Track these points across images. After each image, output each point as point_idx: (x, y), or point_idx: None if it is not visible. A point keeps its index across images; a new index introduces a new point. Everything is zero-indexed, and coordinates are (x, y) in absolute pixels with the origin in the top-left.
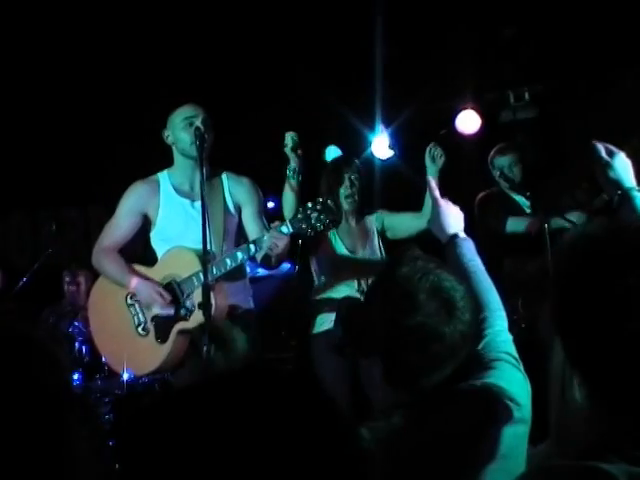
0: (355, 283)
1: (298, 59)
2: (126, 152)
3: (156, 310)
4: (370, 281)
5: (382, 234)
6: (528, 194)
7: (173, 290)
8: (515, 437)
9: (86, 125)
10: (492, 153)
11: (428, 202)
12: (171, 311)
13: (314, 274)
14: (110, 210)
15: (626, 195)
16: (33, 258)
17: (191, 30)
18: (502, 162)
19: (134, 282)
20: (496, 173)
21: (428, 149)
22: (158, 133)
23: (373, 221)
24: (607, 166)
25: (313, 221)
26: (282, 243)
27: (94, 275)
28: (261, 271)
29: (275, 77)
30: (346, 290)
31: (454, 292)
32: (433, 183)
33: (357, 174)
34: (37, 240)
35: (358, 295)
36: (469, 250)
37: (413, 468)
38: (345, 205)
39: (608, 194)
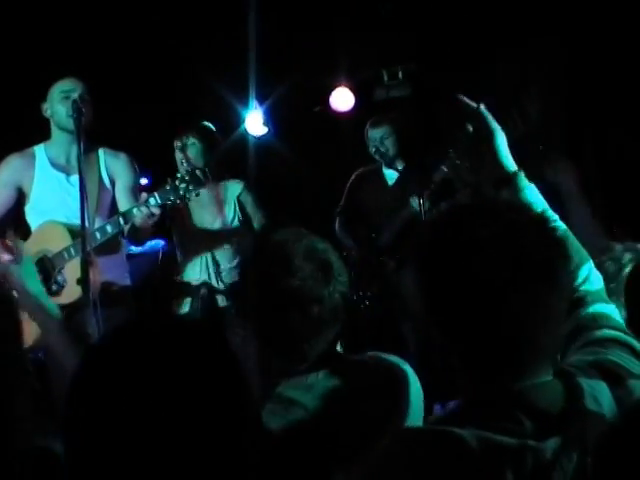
0: (208, 258)
1: (171, 32)
2: None
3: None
4: (225, 254)
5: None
6: (400, 168)
7: (45, 266)
8: None
9: None
10: (367, 126)
11: None
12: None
13: (176, 249)
14: None
15: (511, 180)
16: None
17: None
18: (376, 134)
19: None
20: (371, 147)
21: None
22: (33, 106)
23: (231, 189)
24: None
25: (181, 192)
26: (153, 216)
27: None
28: (134, 248)
29: (147, 50)
30: (198, 270)
31: (329, 254)
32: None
33: (197, 137)
34: None
35: (213, 276)
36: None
37: None
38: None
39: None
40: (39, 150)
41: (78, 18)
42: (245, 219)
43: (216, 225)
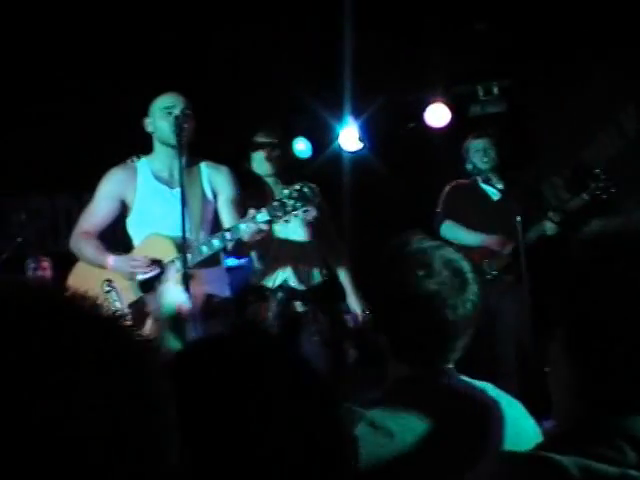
0: (289, 268)
1: (267, 50)
2: (95, 141)
3: (141, 276)
4: (305, 264)
5: None
6: (499, 186)
7: (150, 278)
8: None
9: (55, 113)
10: (469, 138)
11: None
12: (157, 270)
13: (253, 257)
14: (78, 199)
15: None
16: (0, 247)
17: (169, 18)
18: (478, 145)
19: (111, 260)
20: (472, 158)
21: None
22: (128, 121)
23: None
24: None
25: (289, 208)
26: (261, 232)
27: (57, 262)
28: (230, 261)
29: (244, 68)
30: (281, 276)
31: (463, 264)
32: None
33: (277, 140)
34: (4, 229)
35: (294, 282)
36: None
37: None
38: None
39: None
40: (141, 164)
41: (175, 38)
42: (322, 232)
43: (297, 235)
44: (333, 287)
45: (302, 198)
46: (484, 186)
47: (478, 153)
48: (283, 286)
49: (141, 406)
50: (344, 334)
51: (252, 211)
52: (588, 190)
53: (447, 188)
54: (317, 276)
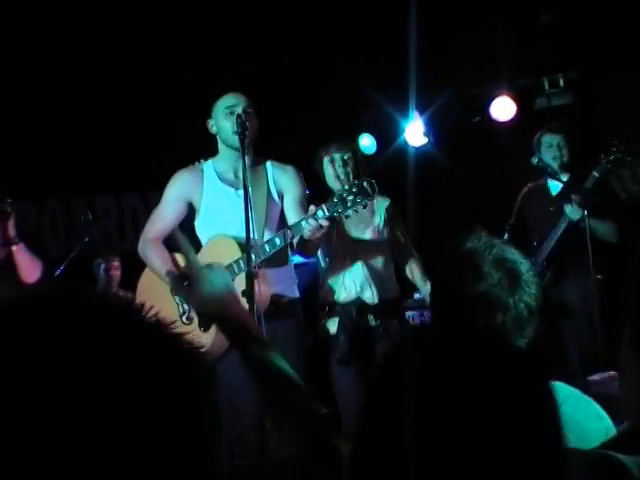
0: (360, 268)
1: (332, 45)
2: (161, 140)
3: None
4: (378, 264)
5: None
6: (564, 178)
7: None
8: None
9: (121, 113)
10: (541, 132)
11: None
12: None
13: (319, 256)
14: (144, 198)
15: None
16: (67, 246)
17: (235, 15)
18: (552, 140)
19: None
20: (543, 152)
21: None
22: (192, 122)
23: (380, 200)
24: None
25: (349, 204)
26: (321, 229)
27: (124, 262)
28: (297, 258)
29: (309, 64)
30: (350, 287)
31: (518, 264)
32: None
33: (351, 153)
34: (71, 228)
35: (366, 289)
36: None
37: None
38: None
39: None
40: (207, 166)
41: (240, 35)
42: (392, 232)
43: (367, 234)
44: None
45: (362, 193)
46: (550, 183)
47: (550, 149)
48: (355, 300)
49: (194, 411)
50: None
51: (312, 207)
52: (598, 167)
53: (522, 192)
54: (388, 287)
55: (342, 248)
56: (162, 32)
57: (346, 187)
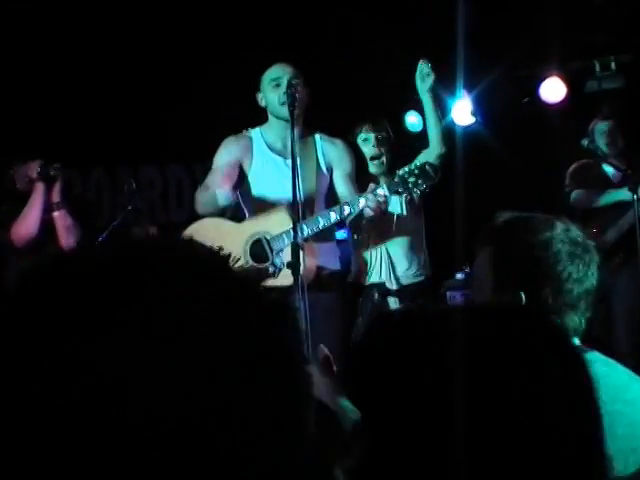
0: (383, 251)
1: (380, 23)
2: (206, 112)
3: None
4: (399, 246)
5: None
6: (625, 168)
7: (262, 247)
8: None
9: (168, 84)
10: (595, 119)
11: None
12: None
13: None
14: (189, 169)
15: None
16: (111, 216)
17: None
18: (603, 127)
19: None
20: (597, 138)
21: (418, 65)
22: (238, 94)
23: None
24: None
25: (410, 185)
26: (380, 206)
27: (165, 233)
28: (339, 235)
29: (354, 41)
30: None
31: (587, 245)
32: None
33: (385, 133)
34: (116, 198)
35: (387, 275)
36: None
37: None
38: (372, 168)
39: None
40: (255, 133)
41: (289, 10)
42: (414, 210)
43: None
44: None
45: (424, 175)
46: (605, 167)
47: (603, 135)
48: (378, 283)
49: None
50: None
51: (372, 185)
52: None
53: (573, 166)
54: (414, 270)
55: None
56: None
57: (407, 169)
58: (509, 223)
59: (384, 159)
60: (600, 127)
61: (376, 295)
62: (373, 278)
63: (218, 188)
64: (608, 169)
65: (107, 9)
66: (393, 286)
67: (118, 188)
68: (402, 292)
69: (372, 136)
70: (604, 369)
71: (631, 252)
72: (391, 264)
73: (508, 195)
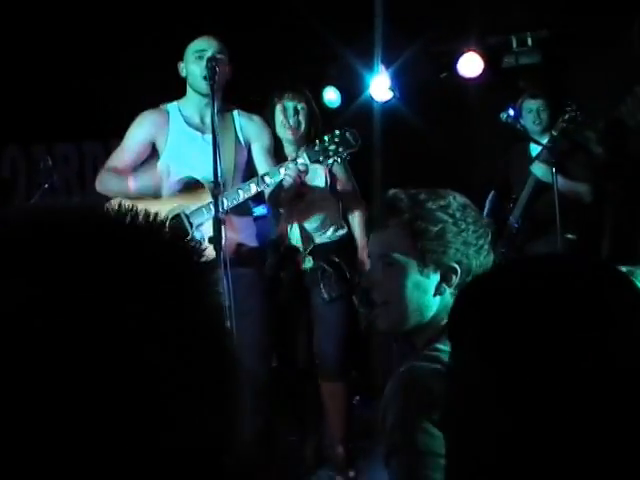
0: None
1: None
2: (123, 87)
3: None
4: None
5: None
6: (544, 141)
7: (181, 221)
8: None
9: (83, 60)
10: (522, 96)
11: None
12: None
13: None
14: (105, 146)
15: None
16: (27, 194)
17: None
18: (532, 105)
19: (131, 180)
20: (523, 115)
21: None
22: (153, 66)
23: None
24: None
25: (331, 153)
26: (300, 174)
27: None
28: (257, 210)
29: (271, 14)
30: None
31: None
32: None
33: (304, 103)
34: (30, 176)
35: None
36: None
37: None
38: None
39: None
40: (173, 108)
41: None
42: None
43: (319, 184)
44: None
45: (344, 143)
46: (532, 145)
47: (530, 114)
48: (291, 243)
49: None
50: (352, 290)
51: (292, 154)
52: (555, 126)
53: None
54: (330, 231)
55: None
56: None
57: (327, 137)
58: (412, 196)
59: (302, 130)
60: (528, 105)
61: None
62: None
63: (113, 174)
64: (534, 147)
65: None
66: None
67: (33, 166)
68: (317, 249)
69: (291, 105)
70: None
71: (546, 225)
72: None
73: (427, 170)
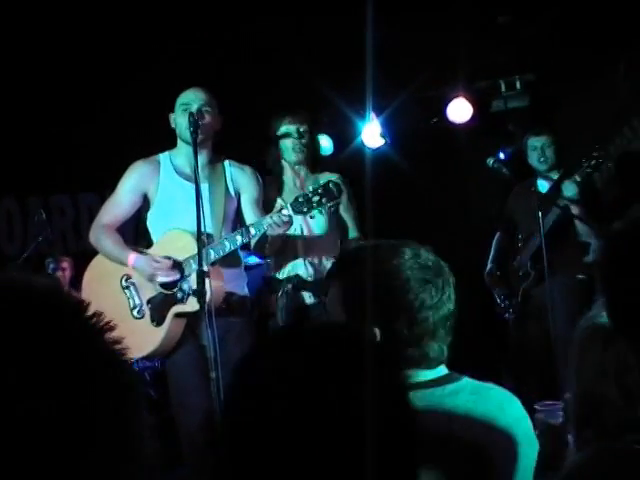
0: (301, 259)
1: (287, 45)
2: (117, 140)
3: (161, 279)
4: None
5: None
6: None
7: None
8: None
9: (78, 112)
10: (526, 134)
11: None
12: (177, 275)
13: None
14: (101, 197)
15: None
16: (22, 246)
17: (194, 10)
18: (536, 142)
19: (132, 257)
20: (528, 154)
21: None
22: (146, 119)
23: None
24: None
25: (314, 204)
26: (284, 226)
27: (79, 262)
28: (251, 260)
29: (263, 63)
30: (292, 267)
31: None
32: None
33: (307, 126)
34: (26, 227)
35: (305, 273)
36: None
37: None
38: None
39: None
40: (164, 158)
41: (200, 31)
42: (338, 224)
43: (321, 228)
44: None
45: (327, 194)
46: (540, 181)
47: (535, 152)
48: (291, 277)
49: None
50: None
51: (277, 205)
52: (580, 170)
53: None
54: (329, 266)
55: (289, 241)
56: (120, 29)
57: (311, 189)
58: (354, 255)
59: (305, 150)
60: (532, 142)
61: (288, 287)
62: (287, 272)
63: (105, 233)
64: (541, 183)
65: (16, 37)
66: (311, 278)
67: (29, 218)
68: (318, 285)
69: (294, 128)
70: (471, 397)
71: (562, 264)
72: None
73: (417, 214)
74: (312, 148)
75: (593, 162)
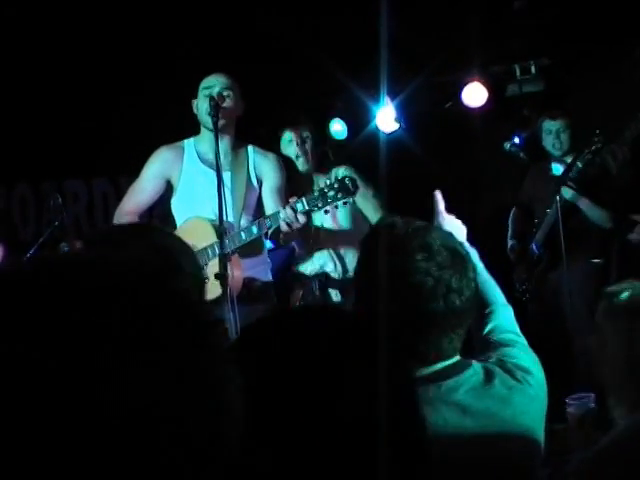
0: (327, 255)
1: (302, 30)
2: (132, 124)
3: None
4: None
5: None
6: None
7: None
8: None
9: (92, 97)
10: (542, 116)
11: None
12: None
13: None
14: (114, 183)
15: None
16: (37, 231)
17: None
18: (552, 126)
19: None
20: (542, 137)
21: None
22: (164, 104)
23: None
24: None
25: (330, 199)
26: (297, 222)
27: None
28: (269, 244)
29: (278, 48)
30: (318, 262)
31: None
32: (439, 196)
33: (308, 132)
34: (41, 213)
35: (332, 270)
36: (473, 256)
37: None
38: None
39: None
40: (188, 144)
41: (216, 18)
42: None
43: (344, 225)
44: None
45: (343, 189)
46: (554, 165)
47: (549, 135)
48: (319, 274)
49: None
50: None
51: (292, 200)
52: (580, 157)
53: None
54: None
55: (315, 237)
56: (141, 20)
57: (327, 182)
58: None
59: (309, 157)
60: (547, 126)
61: (316, 283)
62: (315, 268)
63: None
64: (556, 167)
65: (37, 15)
66: (338, 275)
67: (43, 203)
68: (345, 283)
69: (294, 135)
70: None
71: (573, 250)
72: (339, 258)
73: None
74: (319, 151)
75: (593, 147)
